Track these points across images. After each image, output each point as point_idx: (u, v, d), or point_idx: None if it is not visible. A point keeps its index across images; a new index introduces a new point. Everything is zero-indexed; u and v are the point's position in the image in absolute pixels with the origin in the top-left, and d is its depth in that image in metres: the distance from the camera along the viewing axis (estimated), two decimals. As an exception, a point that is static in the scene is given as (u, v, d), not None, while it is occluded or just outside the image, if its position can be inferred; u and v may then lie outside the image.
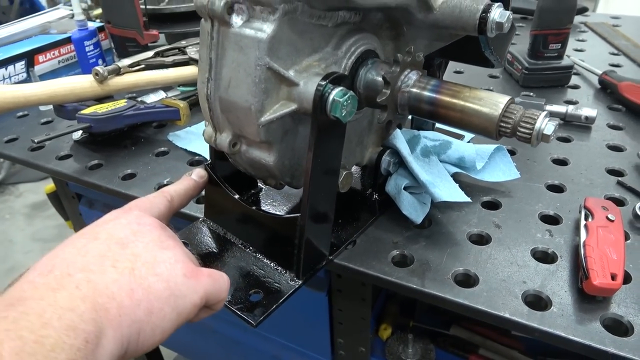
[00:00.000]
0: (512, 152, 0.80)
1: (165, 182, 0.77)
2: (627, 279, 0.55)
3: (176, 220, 0.70)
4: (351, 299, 0.74)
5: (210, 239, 0.62)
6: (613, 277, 0.52)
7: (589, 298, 0.53)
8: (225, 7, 0.46)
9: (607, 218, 0.60)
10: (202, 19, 0.50)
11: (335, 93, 0.47)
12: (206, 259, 0.59)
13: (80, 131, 0.82)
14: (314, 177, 0.51)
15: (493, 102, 0.49)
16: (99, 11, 1.33)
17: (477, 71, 1.05)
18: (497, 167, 0.72)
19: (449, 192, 0.63)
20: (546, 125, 0.46)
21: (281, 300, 0.53)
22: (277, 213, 0.64)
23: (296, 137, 0.54)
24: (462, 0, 0.51)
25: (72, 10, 1.20)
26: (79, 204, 1.01)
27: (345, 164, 0.59)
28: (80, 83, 0.87)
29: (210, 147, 0.61)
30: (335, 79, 0.48)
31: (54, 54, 1.06)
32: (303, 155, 0.55)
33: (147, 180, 0.77)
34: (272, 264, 0.58)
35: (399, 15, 0.54)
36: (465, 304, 0.53)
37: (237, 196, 0.60)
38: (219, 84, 0.50)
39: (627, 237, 0.61)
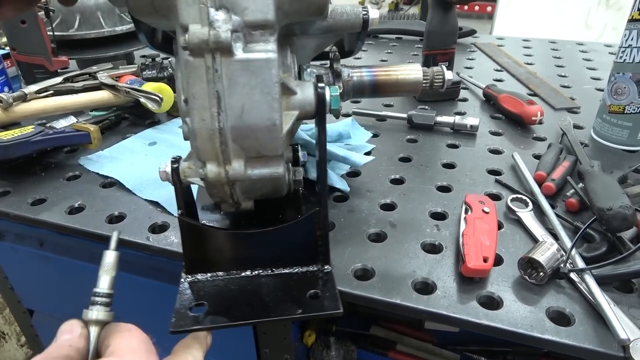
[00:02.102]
0: (407, 159, 0.88)
1: (76, 205, 0.77)
2: (499, 261, 0.64)
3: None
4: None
5: (221, 292, 0.57)
6: (485, 260, 0.60)
7: (468, 280, 0.61)
8: (231, 36, 0.45)
9: (483, 211, 0.69)
10: (190, 58, 0.46)
11: (331, 90, 0.55)
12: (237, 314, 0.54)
13: (-16, 159, 0.80)
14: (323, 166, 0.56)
15: (414, 69, 0.69)
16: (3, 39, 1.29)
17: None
18: (358, 137, 0.93)
19: (362, 159, 0.78)
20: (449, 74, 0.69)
21: (335, 282, 0.58)
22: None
23: None
24: (344, 7, 0.62)
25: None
26: (-15, 238, 0.97)
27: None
28: (-17, 111, 0.85)
29: (180, 195, 0.56)
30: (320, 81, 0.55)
31: (-47, 83, 1.03)
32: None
33: (58, 205, 0.77)
34: (295, 269, 0.59)
35: (297, 27, 0.61)
36: (361, 295, 0.59)
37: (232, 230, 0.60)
38: (230, 114, 0.49)
39: (500, 226, 0.70)
